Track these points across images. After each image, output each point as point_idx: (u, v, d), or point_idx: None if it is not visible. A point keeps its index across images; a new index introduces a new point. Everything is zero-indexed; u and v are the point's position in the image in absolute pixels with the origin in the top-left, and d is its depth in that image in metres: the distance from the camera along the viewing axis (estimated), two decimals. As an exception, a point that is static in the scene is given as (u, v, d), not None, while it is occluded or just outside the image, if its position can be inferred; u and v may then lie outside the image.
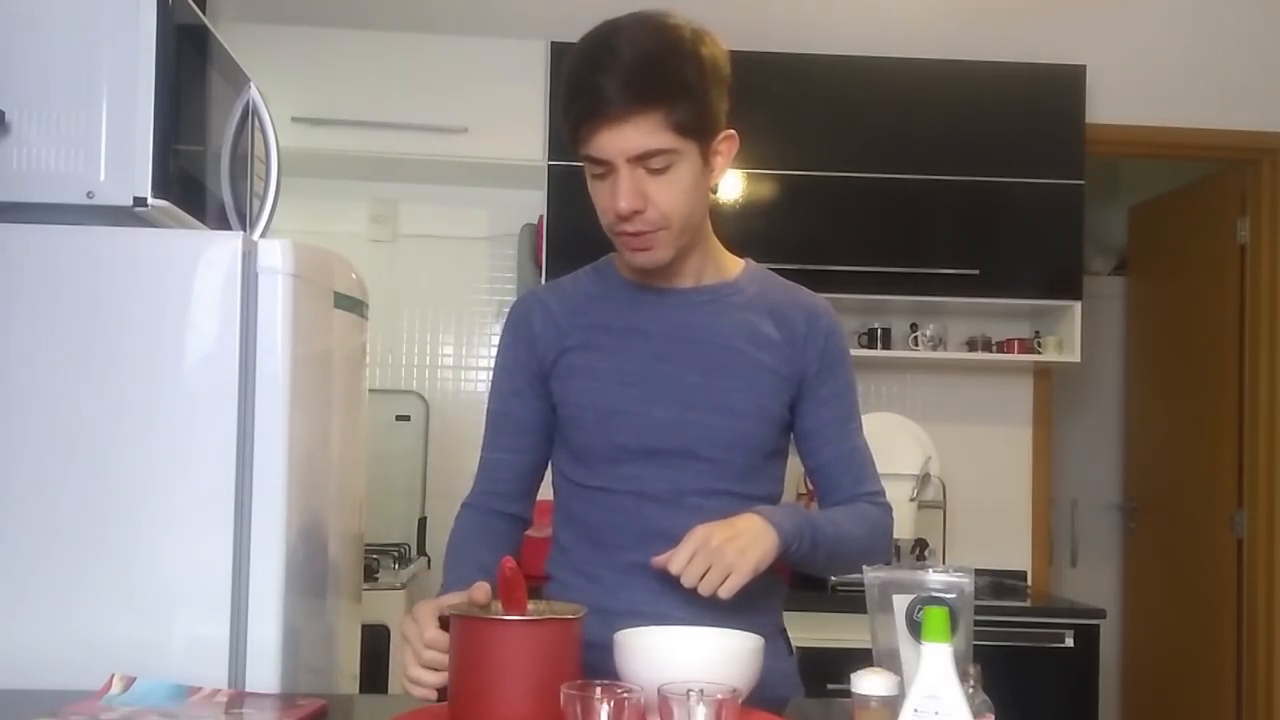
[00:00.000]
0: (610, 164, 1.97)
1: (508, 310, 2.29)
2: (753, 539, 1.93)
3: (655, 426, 2.10)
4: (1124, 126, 5.25)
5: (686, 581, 1.88)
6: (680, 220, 2.04)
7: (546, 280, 4.59)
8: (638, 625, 1.88)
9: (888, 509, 2.26)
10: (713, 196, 2.15)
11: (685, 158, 2.00)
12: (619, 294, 2.20)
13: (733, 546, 1.89)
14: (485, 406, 2.27)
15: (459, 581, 1.99)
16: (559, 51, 4.63)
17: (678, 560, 1.88)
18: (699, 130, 2.00)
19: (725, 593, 1.88)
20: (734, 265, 2.26)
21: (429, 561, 4.84)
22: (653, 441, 2.09)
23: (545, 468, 2.27)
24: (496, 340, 2.29)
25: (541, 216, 4.79)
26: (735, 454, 2.11)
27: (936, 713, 1.45)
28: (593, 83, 1.93)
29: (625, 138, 1.94)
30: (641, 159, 1.96)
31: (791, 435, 2.24)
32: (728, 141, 2.09)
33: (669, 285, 2.18)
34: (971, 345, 5.20)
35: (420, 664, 1.85)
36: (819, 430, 2.22)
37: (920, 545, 4.97)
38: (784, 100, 4.65)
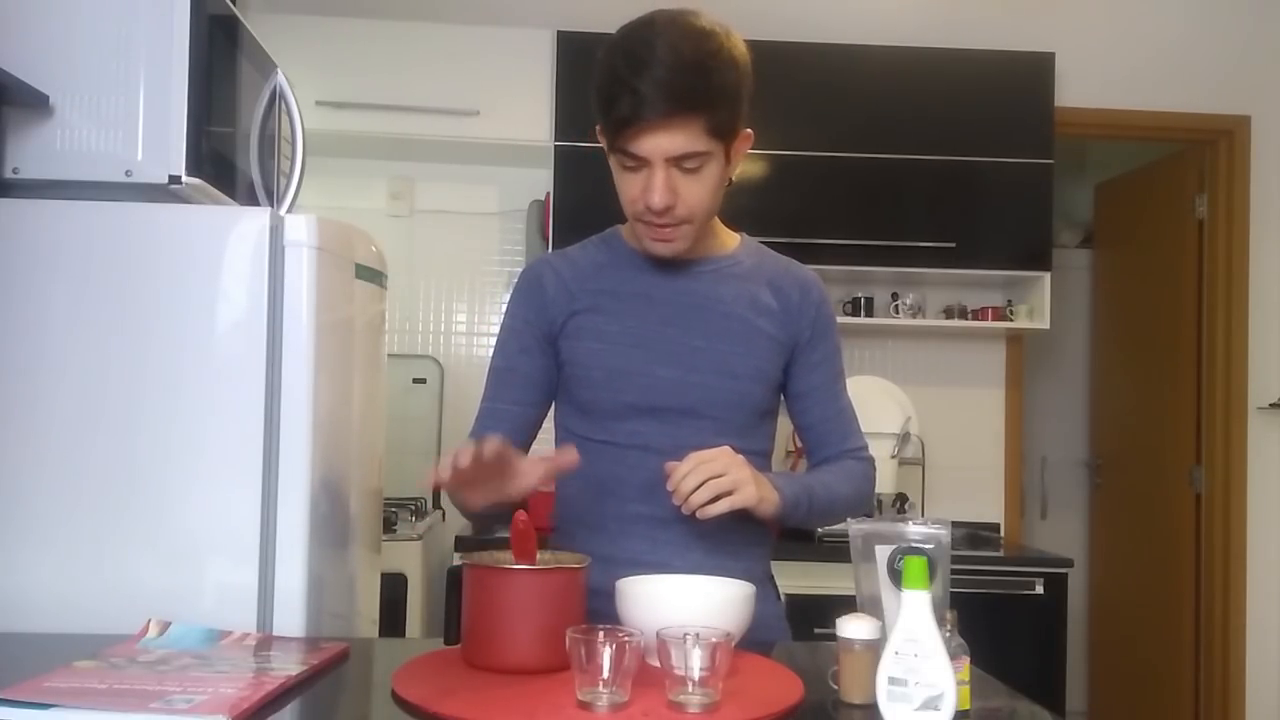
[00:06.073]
0: (645, 160, 1.95)
1: (517, 276, 2.28)
2: (756, 481, 1.94)
3: (659, 386, 2.09)
4: (1090, 110, 5.25)
5: (676, 498, 1.89)
6: (703, 216, 2.05)
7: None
8: (638, 573, 1.89)
9: (871, 462, 2.28)
10: (727, 187, 2.12)
11: (714, 158, 1.99)
12: (626, 262, 2.19)
13: (734, 475, 1.90)
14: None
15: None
16: (565, 40, 4.66)
17: (675, 476, 1.89)
18: (728, 130, 1.98)
19: (706, 514, 1.89)
20: (732, 240, 2.26)
21: (444, 515, 4.85)
22: (657, 400, 2.09)
23: (539, 426, 2.24)
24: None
25: (548, 193, 4.78)
26: (734, 413, 2.11)
27: (916, 655, 1.45)
28: (635, 86, 1.88)
29: (666, 141, 1.92)
30: (678, 160, 1.95)
31: (782, 396, 2.25)
32: (745, 140, 2.07)
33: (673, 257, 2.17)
34: (948, 313, 5.20)
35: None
36: (810, 392, 2.22)
37: (901, 499, 4.98)
38: (775, 86, 4.61)
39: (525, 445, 2.21)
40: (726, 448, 1.94)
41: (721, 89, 1.93)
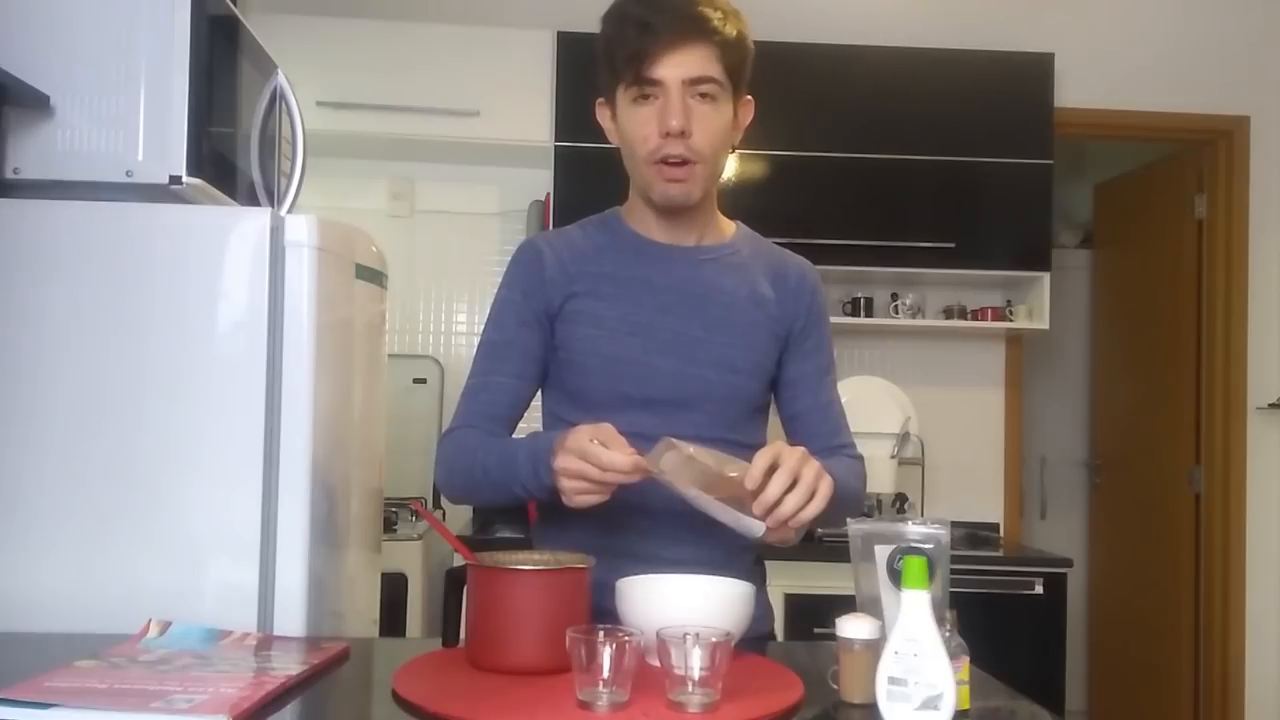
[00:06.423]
0: (661, 85, 1.99)
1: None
2: (823, 469, 1.83)
3: (657, 377, 2.08)
4: (1090, 110, 5.25)
5: (766, 499, 1.76)
6: (712, 157, 2.07)
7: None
8: (625, 564, 1.87)
9: (862, 459, 2.25)
10: (730, 154, 2.16)
11: (724, 98, 2.04)
12: (626, 246, 2.16)
13: (810, 469, 1.79)
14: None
15: (534, 446, 1.91)
16: (565, 40, 4.66)
17: (753, 476, 1.76)
18: (737, 77, 2.05)
19: (808, 515, 1.78)
20: (728, 228, 2.25)
21: (444, 515, 4.84)
22: (654, 391, 2.07)
23: (529, 405, 2.18)
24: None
25: (549, 194, 4.78)
26: (729, 407, 2.11)
27: (916, 655, 1.45)
28: (649, 21, 1.97)
29: (683, 59, 1.98)
30: (694, 83, 1.99)
31: (772, 386, 2.23)
32: (747, 106, 2.13)
33: (673, 243, 2.16)
34: (948, 313, 5.20)
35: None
36: (801, 379, 2.21)
37: (900, 499, 4.98)
38: (774, 86, 4.56)
39: (515, 426, 2.17)
40: (773, 444, 1.84)
41: (728, 29, 2.02)
